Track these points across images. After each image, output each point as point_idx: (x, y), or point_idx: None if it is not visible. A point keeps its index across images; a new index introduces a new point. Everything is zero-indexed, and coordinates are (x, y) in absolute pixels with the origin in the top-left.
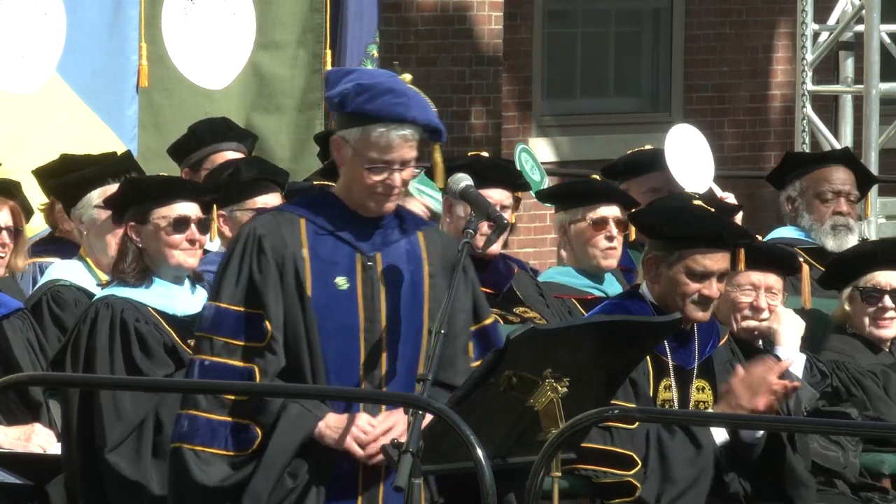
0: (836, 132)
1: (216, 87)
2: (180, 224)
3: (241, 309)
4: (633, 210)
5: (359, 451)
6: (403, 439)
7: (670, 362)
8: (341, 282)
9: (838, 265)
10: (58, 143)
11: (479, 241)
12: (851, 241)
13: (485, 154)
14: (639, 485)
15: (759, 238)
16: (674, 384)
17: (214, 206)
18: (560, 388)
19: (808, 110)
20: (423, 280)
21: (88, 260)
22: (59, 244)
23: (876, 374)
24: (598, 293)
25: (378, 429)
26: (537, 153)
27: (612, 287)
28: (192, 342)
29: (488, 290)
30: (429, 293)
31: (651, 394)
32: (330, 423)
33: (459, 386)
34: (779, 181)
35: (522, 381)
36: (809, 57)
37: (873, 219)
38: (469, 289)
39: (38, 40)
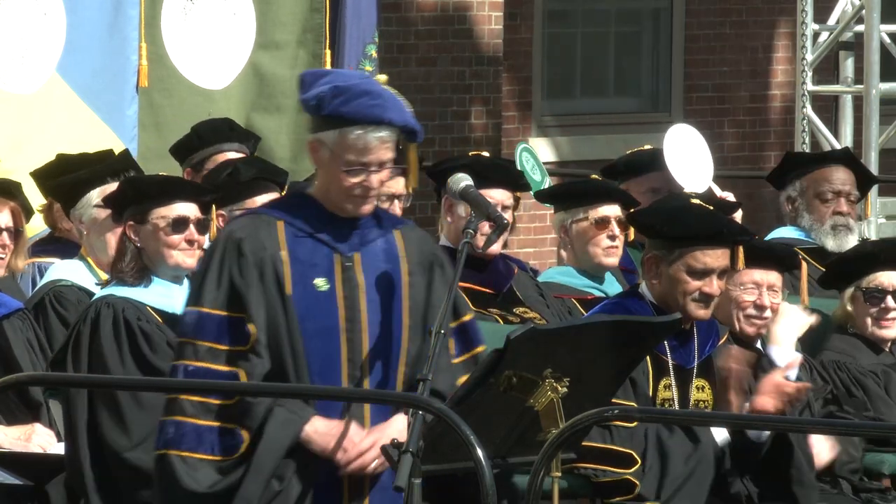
0: (836, 132)
1: (216, 87)
2: (179, 224)
3: (224, 313)
4: (632, 210)
5: (347, 463)
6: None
7: (670, 361)
8: (321, 283)
9: (839, 265)
10: (58, 143)
11: (480, 241)
12: (851, 241)
13: (485, 154)
14: (638, 482)
15: (758, 237)
16: (673, 383)
17: (213, 206)
18: (560, 388)
19: (808, 110)
20: (402, 278)
21: (89, 259)
22: (58, 244)
23: (877, 375)
24: (598, 293)
25: (366, 442)
26: (537, 153)
27: (612, 287)
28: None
29: (488, 291)
30: (408, 291)
31: (651, 393)
32: (319, 429)
33: (439, 385)
34: (779, 181)
35: (522, 381)
36: (809, 57)
37: (873, 219)
38: (447, 285)
39: (38, 40)
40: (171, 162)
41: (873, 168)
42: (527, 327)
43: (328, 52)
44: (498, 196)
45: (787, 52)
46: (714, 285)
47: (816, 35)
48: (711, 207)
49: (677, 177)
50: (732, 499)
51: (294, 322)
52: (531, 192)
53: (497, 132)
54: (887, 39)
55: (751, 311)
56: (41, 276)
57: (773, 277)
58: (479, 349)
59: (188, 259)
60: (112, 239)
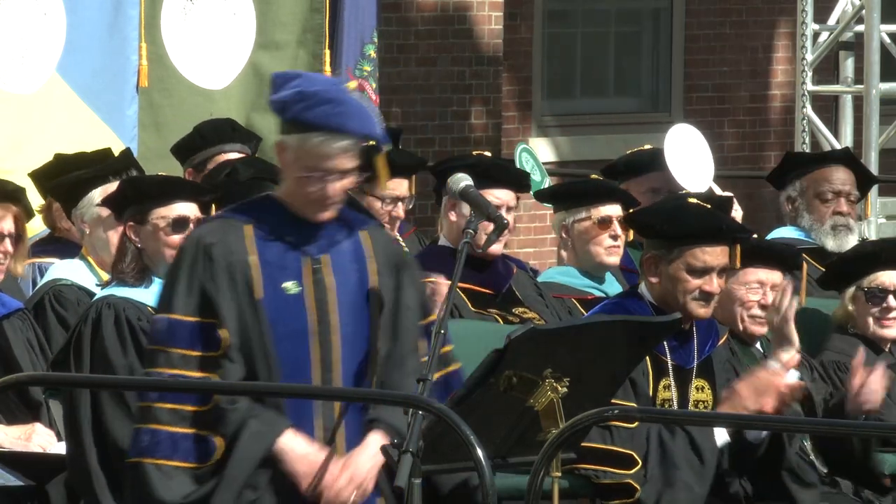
0: (836, 132)
1: (216, 87)
2: (179, 224)
3: (196, 319)
4: (631, 211)
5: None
6: (370, 488)
7: (669, 362)
8: (291, 286)
9: (839, 266)
10: (58, 144)
11: (482, 240)
12: (851, 241)
13: (487, 154)
14: (638, 486)
15: (757, 237)
16: (673, 384)
17: (213, 206)
18: (560, 388)
19: (808, 110)
20: (371, 279)
21: (90, 259)
22: (58, 244)
23: None
24: (598, 293)
25: (342, 479)
26: (537, 153)
27: (613, 287)
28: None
29: (487, 291)
30: (377, 292)
31: (650, 393)
32: (294, 449)
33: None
34: (779, 181)
35: (522, 381)
36: (809, 57)
37: (873, 219)
38: (415, 285)
39: (38, 40)
40: (171, 162)
41: (873, 168)
42: (527, 327)
43: (328, 52)
44: (504, 197)
45: (787, 52)
46: (714, 283)
47: (816, 35)
48: (709, 206)
49: (678, 177)
50: (731, 499)
51: (265, 326)
52: (531, 192)
53: (497, 132)
54: (887, 39)
55: (756, 310)
56: (41, 277)
57: (776, 277)
58: (448, 348)
59: None
60: (115, 238)
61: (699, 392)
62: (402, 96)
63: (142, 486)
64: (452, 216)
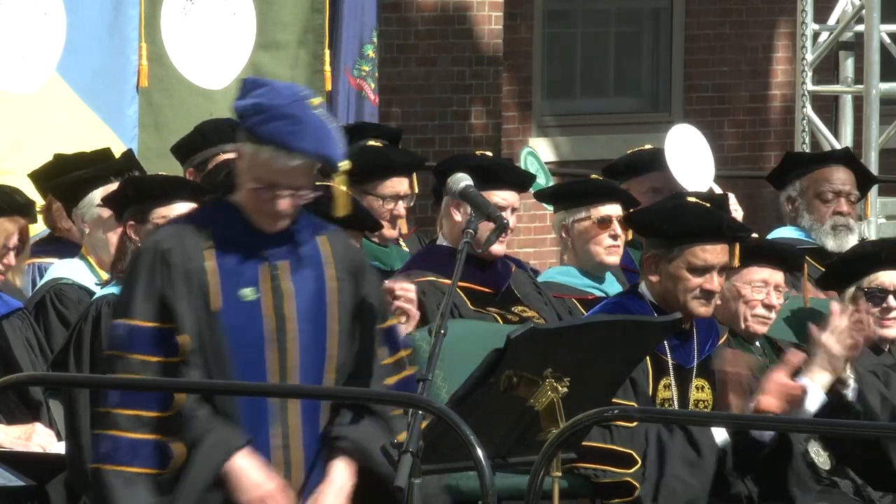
0: (836, 132)
1: (216, 87)
2: None
3: (155, 324)
4: (630, 211)
5: None
6: None
7: (670, 361)
8: (248, 293)
9: (839, 266)
10: (58, 144)
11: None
12: (851, 241)
13: (489, 154)
14: (638, 485)
15: (757, 236)
16: (673, 383)
17: None
18: (560, 388)
19: (808, 110)
20: (329, 284)
21: (90, 259)
22: (58, 244)
23: (877, 375)
24: (598, 293)
25: None
26: (538, 154)
27: (613, 287)
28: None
29: (487, 290)
30: (336, 297)
31: (650, 393)
32: (249, 475)
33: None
34: (779, 181)
35: (522, 381)
36: (809, 57)
37: (873, 219)
38: (374, 290)
39: (38, 40)
40: (171, 162)
41: (873, 168)
42: (527, 327)
43: (328, 52)
44: (509, 198)
45: (787, 52)
46: (714, 282)
47: (816, 35)
48: (708, 205)
49: (678, 177)
50: (732, 499)
51: (222, 333)
52: (531, 192)
53: (497, 132)
54: (887, 39)
55: (759, 309)
56: (41, 276)
57: (779, 277)
58: (404, 353)
59: None
60: (115, 238)
61: (699, 392)
62: (401, 96)
63: (103, 493)
64: (456, 216)
